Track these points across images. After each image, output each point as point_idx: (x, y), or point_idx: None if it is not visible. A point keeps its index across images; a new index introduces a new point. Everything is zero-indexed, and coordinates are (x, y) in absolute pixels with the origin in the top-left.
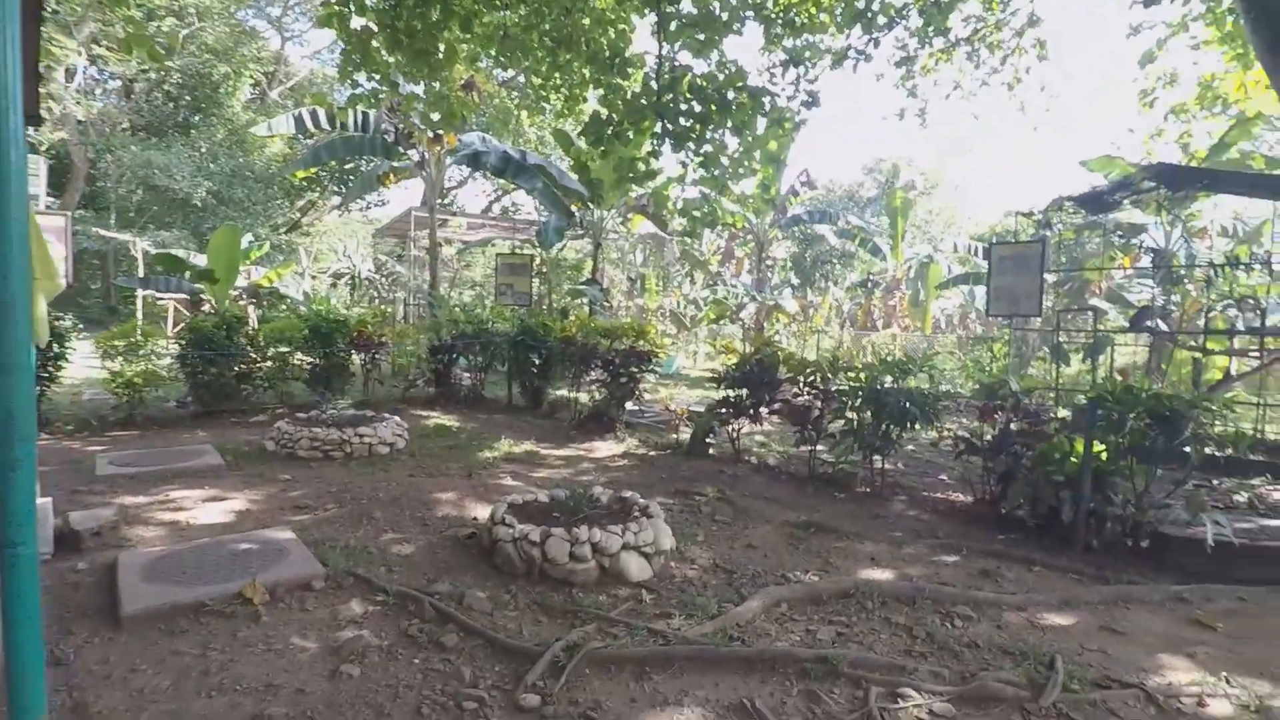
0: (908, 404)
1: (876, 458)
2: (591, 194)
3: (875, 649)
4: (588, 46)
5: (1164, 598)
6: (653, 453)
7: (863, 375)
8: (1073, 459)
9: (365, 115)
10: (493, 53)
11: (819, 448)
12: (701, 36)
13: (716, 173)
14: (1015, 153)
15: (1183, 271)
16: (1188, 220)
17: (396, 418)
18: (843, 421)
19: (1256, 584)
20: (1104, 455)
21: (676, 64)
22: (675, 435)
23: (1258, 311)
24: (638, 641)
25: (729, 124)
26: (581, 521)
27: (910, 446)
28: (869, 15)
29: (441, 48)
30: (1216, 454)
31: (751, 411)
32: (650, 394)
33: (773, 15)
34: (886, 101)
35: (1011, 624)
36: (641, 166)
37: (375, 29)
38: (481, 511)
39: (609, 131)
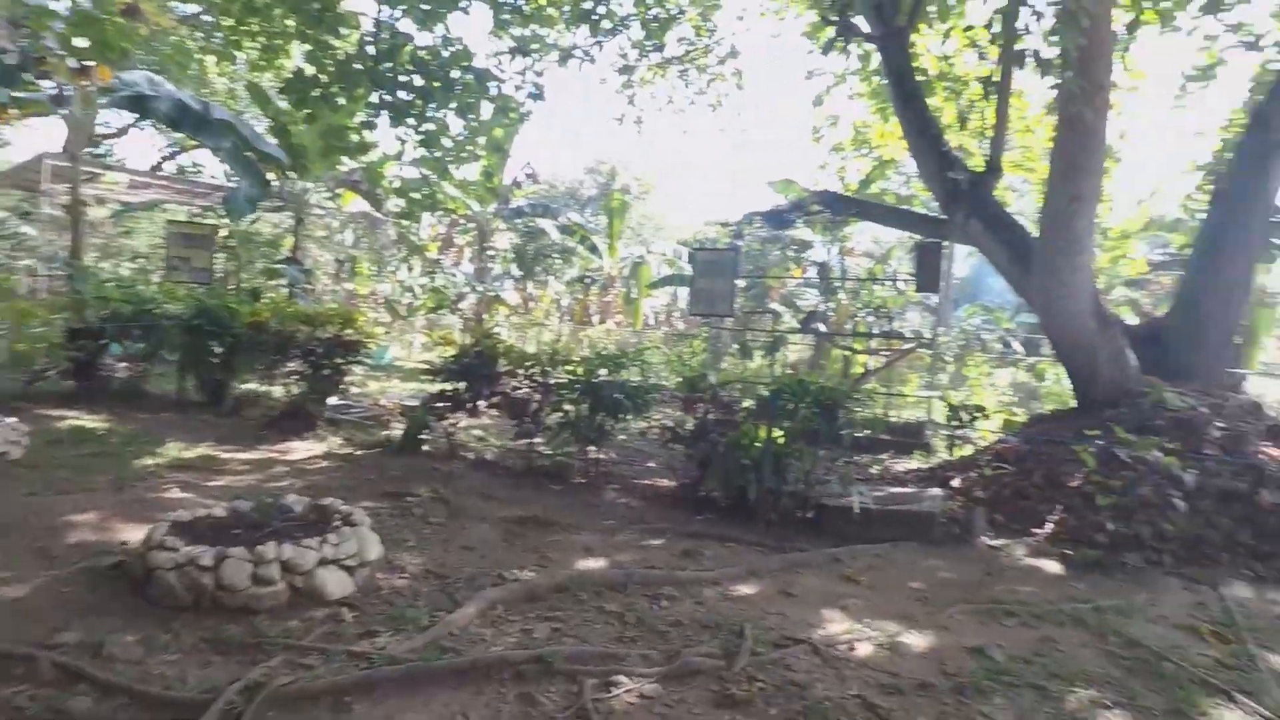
0: (621, 396)
1: (592, 448)
2: (293, 162)
3: (590, 640)
4: None
5: (824, 560)
6: (360, 452)
7: (579, 368)
8: (756, 444)
9: None
10: None
11: (537, 440)
12: (426, 6)
13: (438, 154)
14: (719, 168)
15: (837, 283)
16: (842, 240)
17: (13, 419)
18: (560, 414)
19: (889, 541)
20: (780, 440)
21: (398, 31)
22: (386, 432)
23: (889, 318)
24: (335, 669)
25: (452, 104)
26: (268, 537)
27: (622, 436)
28: (595, 18)
29: None
30: (860, 435)
31: (470, 405)
32: (360, 388)
33: (501, 0)
34: (611, 106)
35: (709, 599)
36: (354, 137)
37: None
38: (135, 534)
39: (316, 93)
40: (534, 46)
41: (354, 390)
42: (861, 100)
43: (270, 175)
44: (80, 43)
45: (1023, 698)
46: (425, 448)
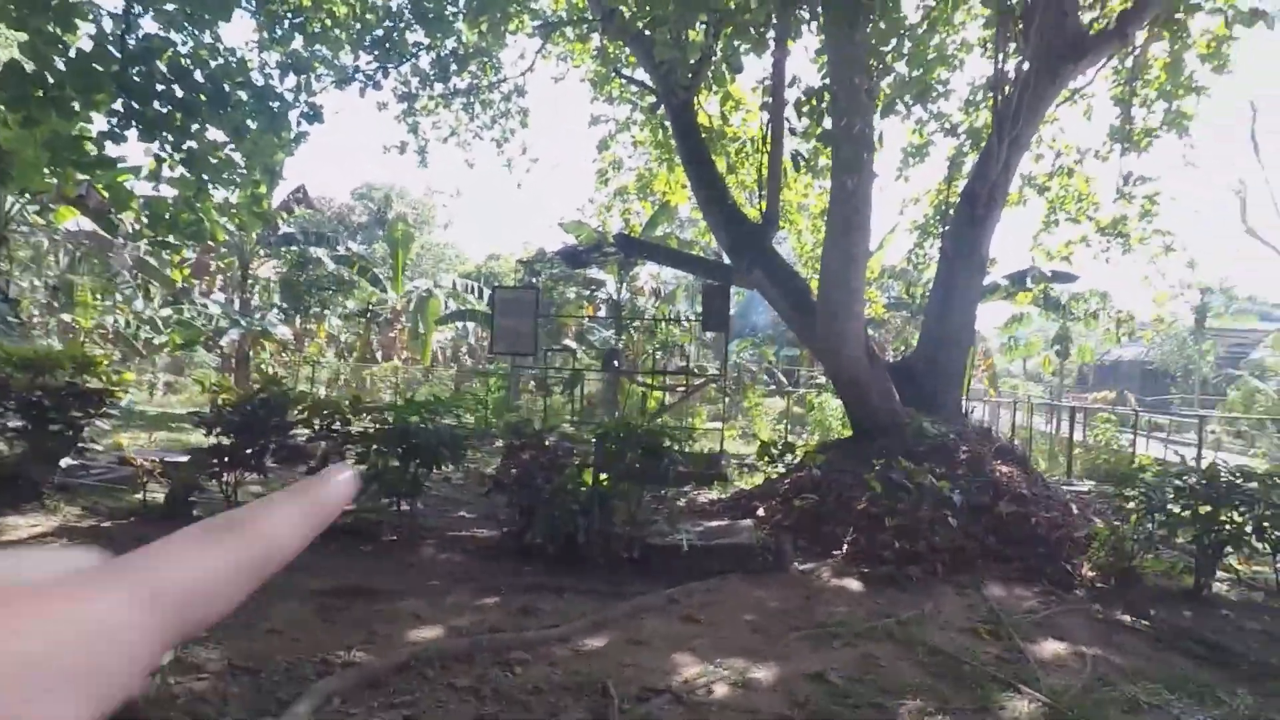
0: (439, 445)
1: (404, 503)
2: None
3: None
4: None
5: (663, 602)
6: (108, 523)
7: (389, 415)
8: (583, 488)
9: None
10: None
11: None
12: (175, 8)
13: (204, 175)
14: (499, 203)
15: (630, 321)
16: (632, 280)
17: None
18: (365, 465)
19: (715, 575)
20: (605, 483)
21: (156, 34)
22: (142, 496)
23: (682, 356)
24: None
25: (222, 121)
26: None
27: (428, 485)
28: (386, 46)
29: None
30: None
31: (254, 460)
32: (97, 443)
33: (280, 13)
34: (386, 130)
35: (561, 658)
36: (90, 148)
37: None
38: None
39: (38, 93)
40: (315, 65)
41: (93, 447)
42: (645, 148)
43: None
44: None
45: (866, 718)
46: (197, 512)
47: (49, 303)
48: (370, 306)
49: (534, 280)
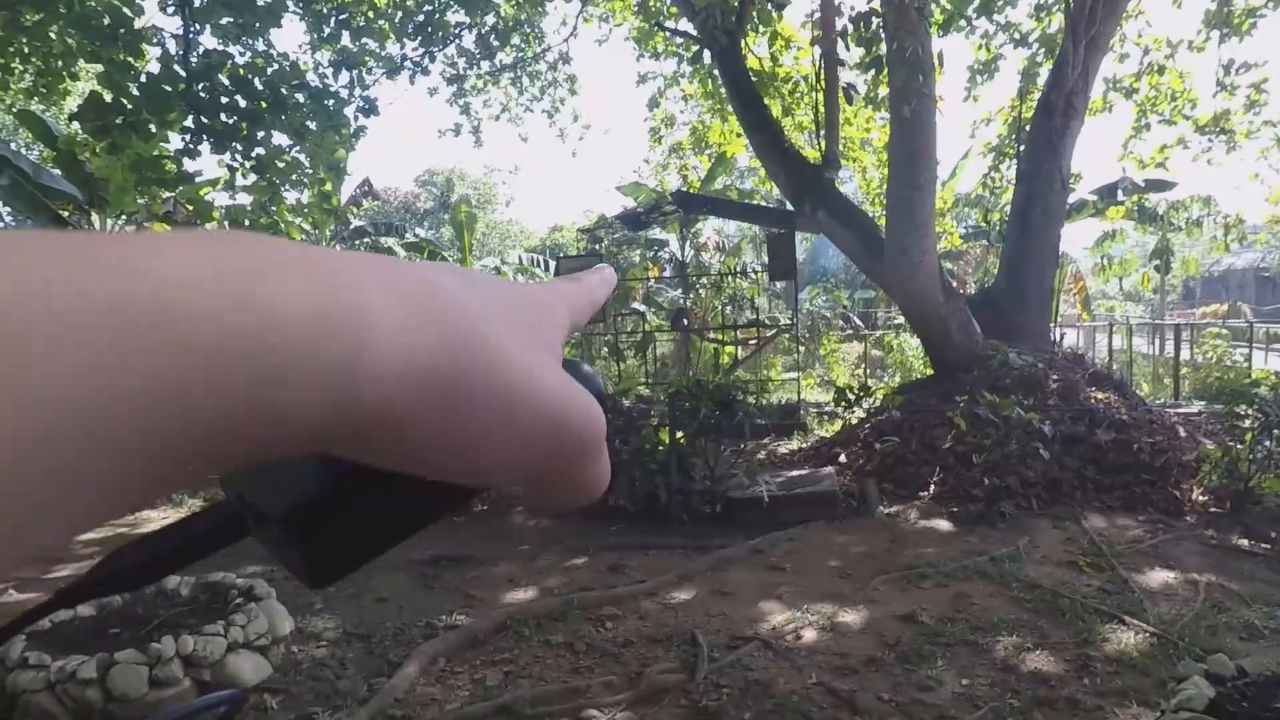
0: None
1: None
2: (90, 196)
3: (546, 678)
4: (70, 9)
5: (746, 553)
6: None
7: None
8: (660, 448)
9: None
10: None
11: None
12: (237, 20)
13: (273, 179)
14: (557, 174)
15: (699, 279)
16: (695, 237)
17: None
18: None
19: (798, 524)
20: (682, 440)
21: (212, 49)
22: None
23: (752, 308)
24: None
25: (284, 125)
26: (158, 630)
27: None
28: (429, 30)
29: None
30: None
31: None
32: None
33: (325, 12)
34: (440, 117)
35: (650, 611)
36: (170, 167)
37: None
38: None
39: (118, 120)
40: (364, 59)
41: None
42: (695, 101)
43: (62, 212)
44: None
45: (959, 655)
46: None
47: None
48: None
49: (596, 247)
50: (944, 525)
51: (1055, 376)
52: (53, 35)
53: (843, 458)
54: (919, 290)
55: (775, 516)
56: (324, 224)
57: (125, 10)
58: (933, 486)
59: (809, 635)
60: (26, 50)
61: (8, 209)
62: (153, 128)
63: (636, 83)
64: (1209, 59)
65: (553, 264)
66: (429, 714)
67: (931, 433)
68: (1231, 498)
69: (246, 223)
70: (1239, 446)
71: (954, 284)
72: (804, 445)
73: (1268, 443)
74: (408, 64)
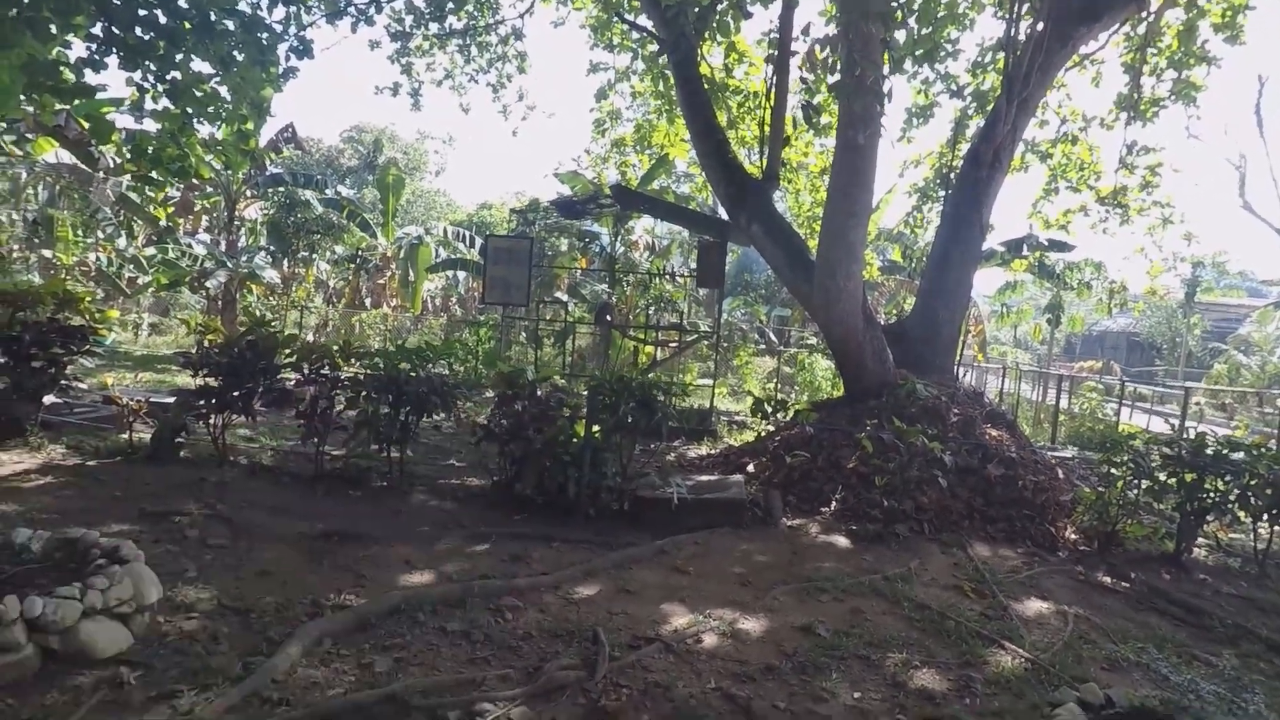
0: (430, 393)
1: (394, 449)
2: None
3: (440, 667)
4: None
5: (653, 553)
6: (93, 462)
7: (379, 362)
8: (574, 440)
9: None
10: None
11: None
12: None
13: (191, 110)
14: (491, 151)
15: (627, 275)
16: (626, 234)
17: None
18: (354, 411)
19: (704, 529)
20: (597, 435)
21: None
22: (128, 436)
23: (676, 311)
24: None
25: (207, 51)
26: (1, 587)
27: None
28: None
29: None
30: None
31: (241, 403)
32: (82, 383)
33: None
34: (377, 72)
35: (552, 605)
36: (68, 75)
37: None
38: None
39: (11, 12)
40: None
41: (77, 385)
42: (644, 99)
43: None
44: None
45: (852, 669)
46: (184, 454)
47: (29, 237)
48: (360, 252)
49: (526, 229)
50: (842, 541)
51: (956, 410)
52: None
53: (751, 467)
54: (841, 314)
55: (682, 519)
56: (238, 165)
57: None
58: (834, 503)
59: (709, 640)
60: None
61: None
62: (53, 28)
63: (587, 72)
64: (1115, 138)
65: (479, 240)
66: (310, 698)
67: (838, 452)
68: (1100, 538)
69: (150, 150)
70: (1109, 491)
71: (871, 312)
72: (713, 451)
73: (1134, 491)
74: (352, 10)
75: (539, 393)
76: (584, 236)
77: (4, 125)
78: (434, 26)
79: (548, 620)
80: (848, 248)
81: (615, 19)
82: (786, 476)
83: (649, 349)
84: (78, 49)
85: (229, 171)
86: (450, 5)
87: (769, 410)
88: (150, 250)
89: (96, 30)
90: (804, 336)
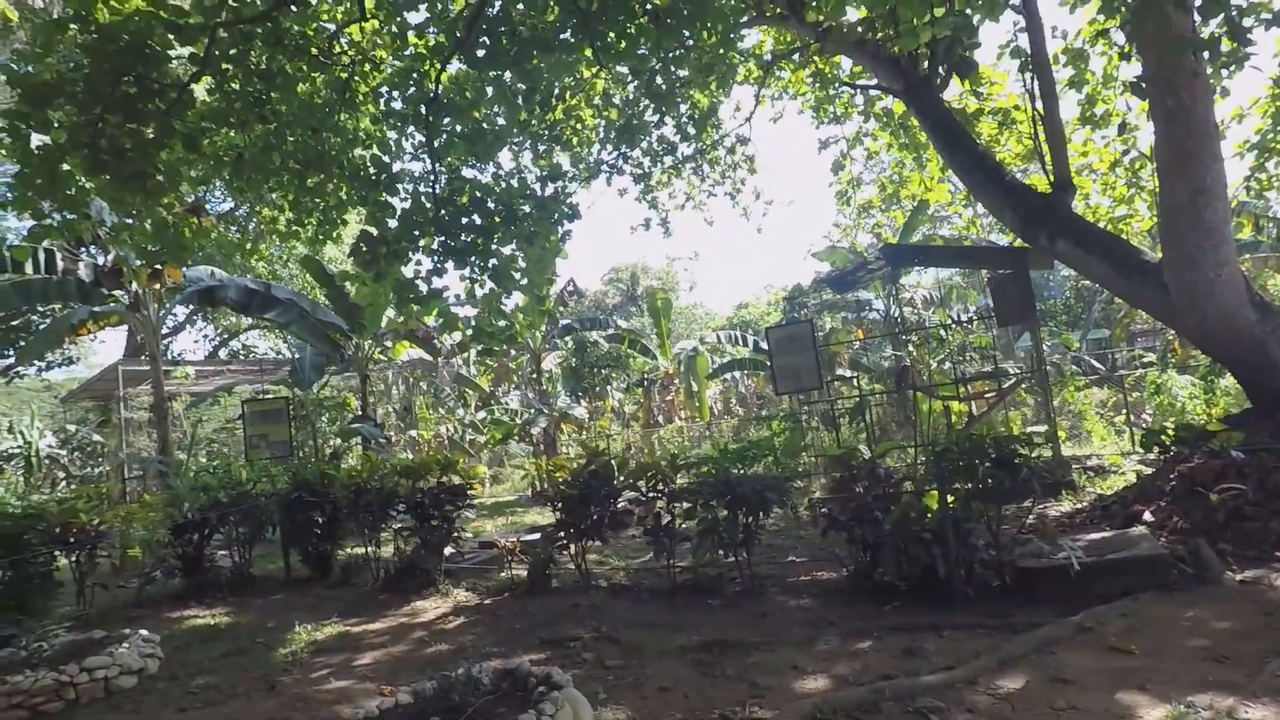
0: (764, 490)
1: (739, 553)
2: (350, 323)
3: None
4: (342, 166)
5: (1071, 632)
6: (488, 600)
7: (705, 469)
8: (929, 514)
9: (48, 254)
10: (226, 175)
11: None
12: (473, 147)
13: (510, 287)
14: (735, 255)
15: (911, 335)
16: (898, 292)
17: (142, 631)
18: (695, 521)
19: (1113, 597)
20: (953, 505)
21: (455, 176)
22: (508, 573)
23: (990, 359)
24: None
25: (515, 236)
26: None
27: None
28: (628, 133)
29: (161, 169)
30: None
31: (594, 529)
32: (465, 530)
33: (540, 131)
34: (624, 214)
35: (979, 704)
36: (422, 287)
37: (66, 148)
38: None
39: (384, 251)
40: (572, 170)
41: (465, 535)
42: (880, 158)
43: (335, 338)
44: (152, 250)
45: None
46: (554, 584)
47: (398, 422)
48: (645, 375)
49: (798, 314)
50: None
51: None
52: (329, 191)
53: (1147, 515)
54: (1220, 309)
55: (1086, 588)
56: (538, 323)
57: (385, 158)
58: None
59: None
60: (310, 206)
61: (288, 341)
62: (411, 254)
63: (819, 148)
64: None
65: (749, 338)
66: None
67: (1272, 478)
68: None
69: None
70: None
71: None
72: (1080, 506)
73: None
74: (604, 167)
75: (879, 470)
76: (858, 308)
77: (374, 339)
78: (669, 159)
79: None
80: (1207, 231)
81: (834, 92)
82: (1207, 519)
83: (960, 405)
84: (424, 264)
85: (532, 329)
86: (693, 131)
87: (1167, 441)
88: (481, 414)
89: (435, 245)
90: (1137, 354)
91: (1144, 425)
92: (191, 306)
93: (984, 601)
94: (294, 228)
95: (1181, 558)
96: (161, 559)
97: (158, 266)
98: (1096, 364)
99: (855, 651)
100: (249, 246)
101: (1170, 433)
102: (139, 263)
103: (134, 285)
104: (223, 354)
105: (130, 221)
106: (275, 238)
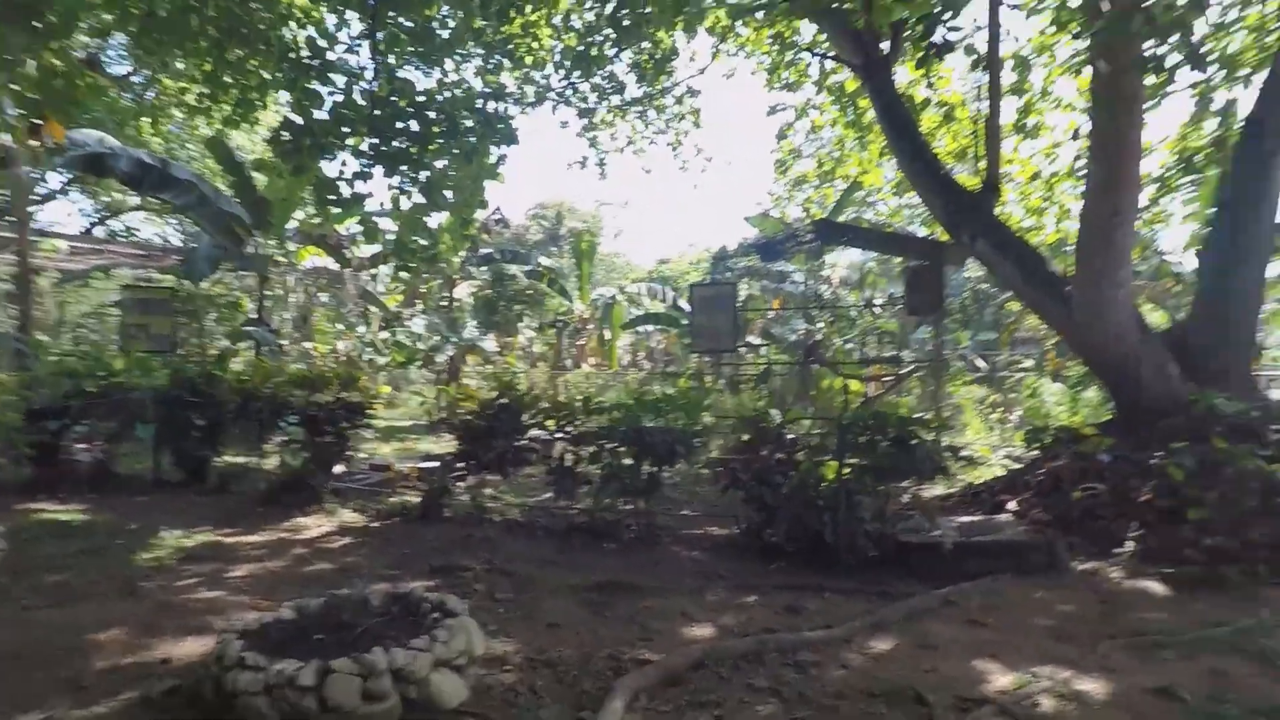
0: (674, 443)
1: (640, 501)
2: (254, 218)
3: None
4: (269, 43)
5: (938, 604)
6: (377, 523)
7: (617, 415)
8: (825, 483)
9: None
10: (132, 30)
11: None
12: (414, 49)
13: (440, 203)
14: (662, 209)
15: (826, 311)
16: (818, 269)
17: None
18: (599, 466)
19: (978, 576)
20: (848, 475)
21: (396, 76)
22: (401, 499)
23: (892, 344)
24: None
25: (454, 150)
26: (363, 641)
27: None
28: (585, 62)
29: (57, 7)
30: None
31: (496, 464)
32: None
33: (493, 42)
34: (557, 149)
35: (853, 661)
36: (345, 189)
37: None
38: (177, 648)
39: (308, 143)
40: (521, 91)
41: (358, 455)
42: (834, 129)
43: (239, 233)
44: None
45: None
46: (446, 513)
47: (294, 332)
48: (559, 317)
49: (727, 275)
50: (1156, 588)
51: (1275, 428)
52: (251, 68)
53: (1012, 505)
54: (1111, 326)
55: (957, 566)
56: (459, 247)
57: (321, 42)
58: (1129, 543)
59: (1046, 703)
60: (229, 82)
61: (180, 229)
62: (337, 151)
63: (768, 112)
64: None
65: (668, 293)
66: None
67: (1126, 483)
68: None
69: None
70: None
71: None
72: (951, 490)
73: None
74: (551, 95)
75: (785, 436)
76: (779, 278)
77: (276, 240)
78: (616, 99)
79: (854, 678)
80: (1116, 252)
81: (793, 58)
82: (1064, 514)
83: (858, 385)
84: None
85: (454, 253)
86: (651, 72)
87: (1045, 439)
88: (384, 334)
89: (364, 146)
90: (1016, 360)
91: (1013, 424)
92: (71, 175)
93: (864, 569)
94: (205, 103)
95: (1038, 546)
96: (11, 445)
97: (38, 121)
98: (980, 363)
99: (742, 604)
100: (149, 117)
101: (1052, 432)
102: (17, 112)
103: (7, 137)
104: (99, 233)
105: (11, 60)
106: (180, 112)
